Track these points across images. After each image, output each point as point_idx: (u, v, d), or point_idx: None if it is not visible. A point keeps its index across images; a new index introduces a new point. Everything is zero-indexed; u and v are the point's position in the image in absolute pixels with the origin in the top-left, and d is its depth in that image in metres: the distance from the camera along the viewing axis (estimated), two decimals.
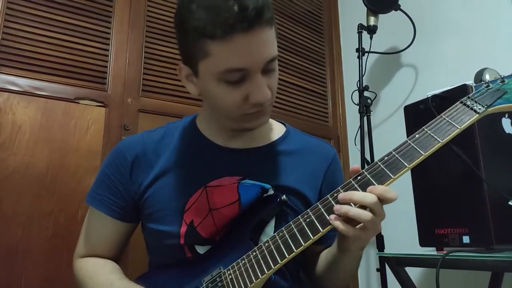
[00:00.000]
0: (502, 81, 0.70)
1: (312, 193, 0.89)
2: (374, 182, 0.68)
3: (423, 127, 0.69)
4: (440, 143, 0.66)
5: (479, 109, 0.67)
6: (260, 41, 0.71)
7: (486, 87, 0.70)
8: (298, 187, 0.87)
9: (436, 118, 0.69)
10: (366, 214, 0.66)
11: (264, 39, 0.72)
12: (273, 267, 0.71)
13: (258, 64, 0.73)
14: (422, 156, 0.66)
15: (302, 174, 0.90)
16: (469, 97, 0.70)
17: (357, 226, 0.68)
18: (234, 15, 0.66)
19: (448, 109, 0.70)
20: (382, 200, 0.67)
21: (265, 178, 0.86)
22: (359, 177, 0.70)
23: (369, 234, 0.69)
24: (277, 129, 0.96)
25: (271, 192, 0.85)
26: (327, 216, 0.69)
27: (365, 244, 0.75)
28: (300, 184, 0.88)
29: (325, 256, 0.89)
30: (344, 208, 0.67)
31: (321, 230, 0.69)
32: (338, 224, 0.67)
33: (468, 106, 0.69)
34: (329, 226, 0.69)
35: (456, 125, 0.67)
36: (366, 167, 0.70)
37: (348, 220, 0.68)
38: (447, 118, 0.69)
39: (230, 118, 0.81)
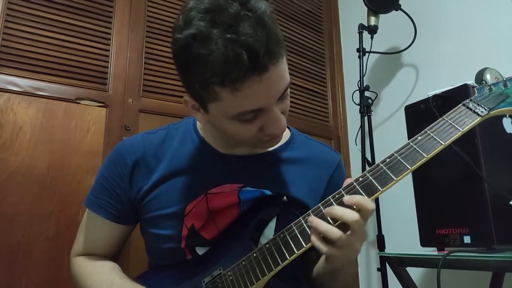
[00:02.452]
0: (505, 85, 0.70)
1: (314, 203, 0.85)
2: (376, 184, 0.68)
3: (426, 129, 0.69)
4: (442, 146, 0.66)
5: (482, 112, 0.68)
6: (273, 80, 0.66)
7: (489, 90, 0.71)
8: (300, 197, 0.86)
9: (439, 120, 0.70)
10: (334, 232, 0.65)
11: (277, 75, 0.67)
12: (274, 268, 0.71)
13: (273, 100, 0.69)
14: (424, 159, 0.66)
15: (305, 183, 0.88)
16: (471, 100, 0.70)
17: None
18: (245, 65, 0.61)
19: (451, 111, 0.70)
20: (361, 211, 0.66)
21: (267, 186, 0.85)
22: (361, 179, 0.70)
23: (344, 252, 0.68)
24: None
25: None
26: (328, 218, 0.69)
27: (347, 262, 0.73)
28: (302, 194, 0.87)
29: (321, 267, 0.87)
30: (314, 222, 0.67)
31: None
32: (313, 239, 0.67)
33: (470, 109, 0.69)
34: None
35: (458, 128, 0.67)
36: (368, 169, 0.70)
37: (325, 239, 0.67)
38: (449, 121, 0.69)
39: (243, 143, 0.81)
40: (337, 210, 0.66)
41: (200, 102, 0.72)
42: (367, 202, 0.66)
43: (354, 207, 0.66)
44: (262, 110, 0.69)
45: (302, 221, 0.72)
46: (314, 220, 0.67)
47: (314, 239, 0.67)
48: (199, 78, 0.66)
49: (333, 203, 0.70)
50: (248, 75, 0.62)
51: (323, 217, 0.69)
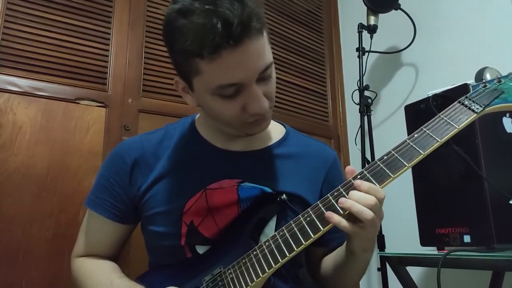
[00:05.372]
0: (499, 81, 0.71)
1: (313, 197, 0.88)
2: (374, 181, 0.68)
3: (422, 127, 0.70)
4: (438, 143, 0.67)
5: (477, 108, 0.68)
6: (250, 54, 0.69)
7: (483, 87, 0.72)
8: (297, 192, 0.87)
9: (435, 117, 0.70)
10: (368, 213, 0.66)
11: (254, 51, 0.69)
12: (274, 266, 0.71)
13: (251, 77, 0.71)
14: (421, 155, 0.67)
15: (301, 178, 0.89)
16: (466, 97, 0.71)
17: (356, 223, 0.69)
18: (219, 34, 0.64)
19: (446, 108, 0.71)
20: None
21: (265, 181, 0.86)
22: (359, 177, 0.70)
23: (367, 232, 0.69)
24: (277, 131, 0.95)
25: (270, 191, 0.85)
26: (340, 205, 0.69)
27: (367, 244, 0.75)
28: (299, 188, 0.88)
29: (333, 258, 0.89)
30: (348, 203, 0.67)
31: (322, 229, 0.69)
32: (333, 216, 0.68)
33: (466, 106, 0.70)
34: (329, 225, 0.69)
35: (454, 125, 0.68)
36: (366, 166, 0.71)
37: (349, 219, 0.68)
38: (445, 118, 0.69)
39: (231, 127, 0.82)
40: (359, 195, 0.68)
41: (186, 79, 0.76)
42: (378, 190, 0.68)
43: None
44: (242, 86, 0.72)
45: (301, 218, 0.72)
46: (347, 201, 0.68)
47: (337, 219, 0.68)
48: (180, 48, 0.70)
49: (332, 200, 0.70)
50: (223, 44, 0.65)
51: (330, 209, 0.70)
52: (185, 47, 0.68)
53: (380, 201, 0.68)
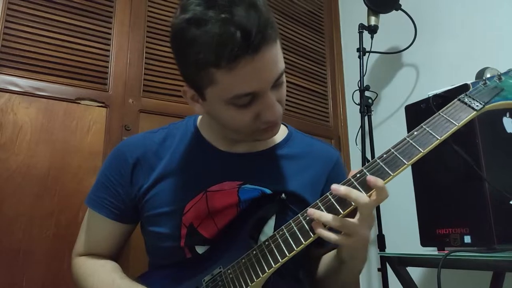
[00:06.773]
0: (499, 79, 0.70)
1: (313, 198, 0.86)
2: None
3: (421, 124, 0.70)
4: (438, 140, 0.67)
5: (477, 106, 0.68)
6: (267, 62, 0.68)
7: (483, 84, 0.71)
8: (299, 192, 0.87)
9: (434, 115, 0.70)
10: (335, 220, 0.66)
11: (271, 59, 0.68)
12: (273, 265, 0.71)
13: (267, 85, 0.70)
14: (421, 153, 0.67)
15: (304, 179, 0.89)
16: (466, 95, 0.71)
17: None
18: (238, 43, 0.62)
19: (446, 106, 0.71)
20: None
21: (266, 183, 0.85)
22: (358, 175, 0.70)
23: (353, 241, 0.69)
24: (279, 131, 0.95)
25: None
26: (337, 206, 0.69)
27: (355, 253, 0.75)
28: (301, 189, 0.87)
29: (327, 262, 0.90)
30: (316, 214, 0.68)
31: None
32: (316, 227, 0.68)
33: (465, 103, 0.69)
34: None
35: (454, 122, 0.68)
36: (366, 164, 0.70)
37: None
38: (445, 116, 0.69)
39: (240, 134, 0.81)
40: (352, 192, 0.67)
41: (198, 89, 0.74)
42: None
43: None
44: (257, 95, 0.70)
45: (301, 218, 0.72)
46: (315, 212, 0.68)
47: (320, 230, 0.68)
48: (195, 59, 0.67)
49: (331, 199, 0.70)
50: (242, 54, 0.64)
51: (330, 208, 0.69)
52: (199, 58, 0.66)
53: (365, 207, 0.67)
